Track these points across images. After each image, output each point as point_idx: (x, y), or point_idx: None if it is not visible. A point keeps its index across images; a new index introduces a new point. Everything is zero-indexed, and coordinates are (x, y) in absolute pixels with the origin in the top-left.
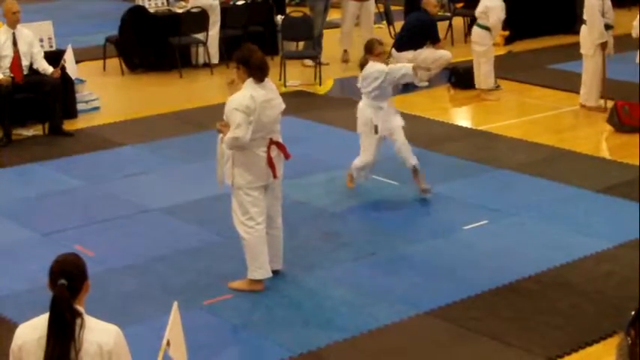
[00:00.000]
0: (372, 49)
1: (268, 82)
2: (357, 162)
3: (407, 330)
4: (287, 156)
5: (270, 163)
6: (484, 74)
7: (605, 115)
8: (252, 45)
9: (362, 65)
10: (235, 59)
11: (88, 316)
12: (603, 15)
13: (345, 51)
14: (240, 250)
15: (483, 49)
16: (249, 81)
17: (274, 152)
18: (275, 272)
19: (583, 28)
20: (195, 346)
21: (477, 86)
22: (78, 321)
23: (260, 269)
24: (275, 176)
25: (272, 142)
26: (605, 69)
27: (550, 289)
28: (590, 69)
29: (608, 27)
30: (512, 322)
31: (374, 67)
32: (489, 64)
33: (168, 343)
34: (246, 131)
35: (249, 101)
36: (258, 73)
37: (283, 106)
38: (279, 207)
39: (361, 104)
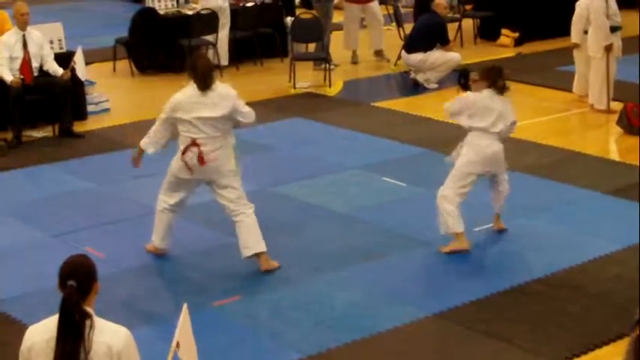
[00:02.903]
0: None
1: (215, 89)
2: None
3: (416, 332)
4: (201, 162)
5: (185, 162)
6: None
7: (615, 117)
8: (202, 54)
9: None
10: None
11: (97, 318)
12: (608, 17)
13: (354, 52)
14: None
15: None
16: (192, 84)
17: (190, 153)
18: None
19: (590, 30)
20: (204, 347)
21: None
22: (87, 322)
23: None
24: (190, 171)
25: (193, 143)
26: (609, 71)
27: (559, 292)
28: (598, 71)
29: (615, 29)
30: (521, 324)
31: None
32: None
33: (177, 345)
34: (160, 121)
35: (176, 99)
36: (201, 84)
37: (220, 113)
38: (228, 202)
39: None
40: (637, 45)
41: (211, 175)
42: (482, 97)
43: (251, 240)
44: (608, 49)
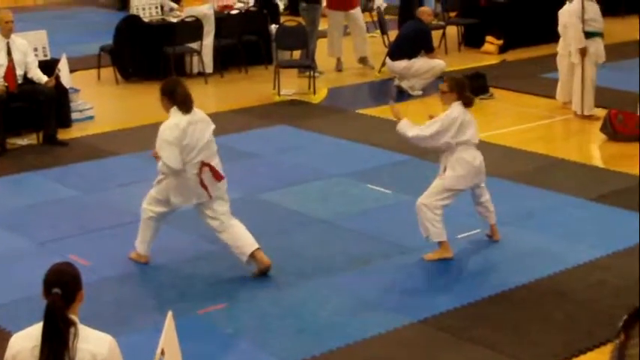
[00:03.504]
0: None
1: (195, 110)
2: None
3: (401, 339)
4: (218, 178)
5: (203, 185)
6: None
7: (598, 124)
8: (177, 78)
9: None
10: (160, 90)
11: (82, 326)
12: (584, 22)
13: (339, 59)
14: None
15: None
16: (174, 109)
17: (206, 174)
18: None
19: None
20: (189, 355)
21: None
22: (72, 330)
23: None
24: (210, 197)
25: (204, 164)
26: (584, 76)
27: (543, 298)
28: (578, 77)
29: (592, 34)
30: (505, 331)
31: None
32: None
33: (162, 352)
34: (176, 160)
35: (176, 131)
36: (184, 107)
37: (210, 129)
38: (217, 223)
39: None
40: (622, 52)
41: (213, 193)
42: (460, 111)
43: (248, 241)
44: (583, 53)
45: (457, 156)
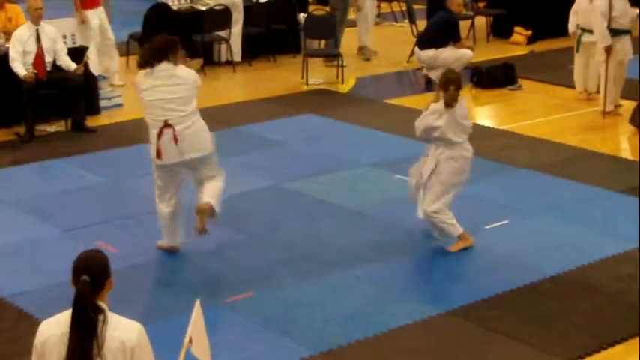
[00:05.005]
0: None
1: (169, 66)
2: None
3: (428, 329)
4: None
5: (158, 145)
6: None
7: (627, 116)
8: (164, 36)
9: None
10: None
11: (110, 313)
12: (611, 19)
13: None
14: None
15: None
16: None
17: (166, 136)
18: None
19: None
20: (217, 343)
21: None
22: (100, 317)
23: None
24: (159, 157)
25: (166, 124)
26: (607, 75)
27: (571, 290)
28: (602, 75)
29: (619, 32)
30: (533, 323)
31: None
32: None
33: (190, 340)
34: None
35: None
36: (150, 58)
37: (179, 91)
38: (206, 188)
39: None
40: None
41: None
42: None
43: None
44: (608, 51)
45: (457, 151)
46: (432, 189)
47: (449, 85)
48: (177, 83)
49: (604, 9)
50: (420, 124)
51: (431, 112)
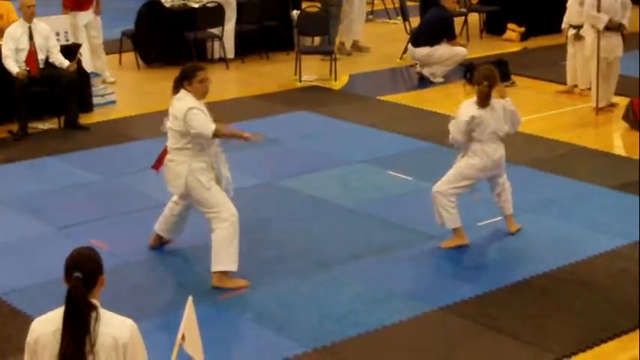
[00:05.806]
0: None
1: (177, 95)
2: None
3: (421, 326)
4: (155, 166)
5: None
6: None
7: (620, 113)
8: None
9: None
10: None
11: (103, 310)
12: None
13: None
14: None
15: None
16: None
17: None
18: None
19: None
20: (210, 340)
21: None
22: (93, 314)
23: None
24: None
25: (166, 149)
26: (599, 70)
27: (565, 287)
28: (594, 70)
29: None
30: (526, 319)
31: None
32: None
33: (183, 338)
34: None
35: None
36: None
37: (172, 123)
38: (212, 250)
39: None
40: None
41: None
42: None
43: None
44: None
45: (477, 147)
46: (449, 172)
47: (482, 81)
48: (174, 115)
49: (591, 5)
50: (455, 123)
51: (464, 110)
